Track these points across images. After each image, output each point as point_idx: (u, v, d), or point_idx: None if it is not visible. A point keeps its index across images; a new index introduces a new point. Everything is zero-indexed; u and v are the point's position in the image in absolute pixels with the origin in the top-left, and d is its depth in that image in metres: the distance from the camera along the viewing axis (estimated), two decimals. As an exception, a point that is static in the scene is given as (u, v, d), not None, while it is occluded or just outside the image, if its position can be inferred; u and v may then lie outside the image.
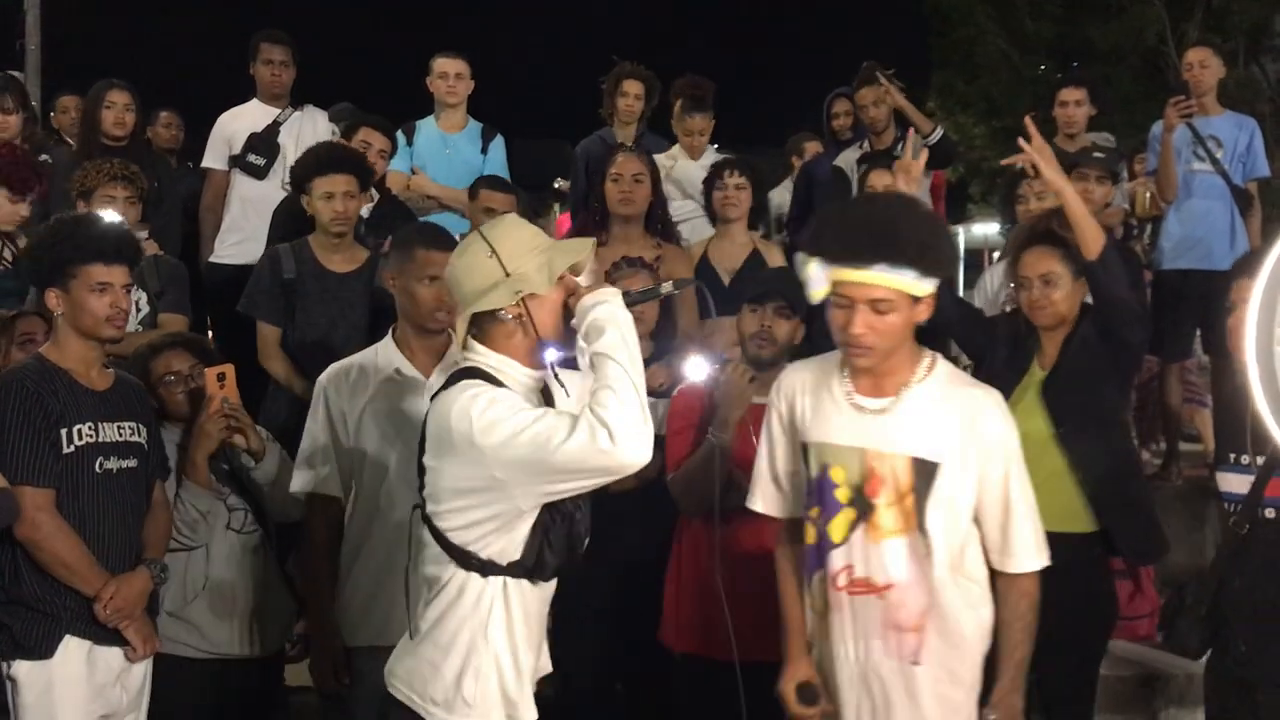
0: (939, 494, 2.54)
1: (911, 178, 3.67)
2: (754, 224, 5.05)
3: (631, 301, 2.41)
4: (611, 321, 2.30)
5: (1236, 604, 3.07)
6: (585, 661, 3.63)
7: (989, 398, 2.62)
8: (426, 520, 2.40)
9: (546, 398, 2.48)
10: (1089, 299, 3.61)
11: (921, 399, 2.58)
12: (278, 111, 5.65)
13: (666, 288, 2.63)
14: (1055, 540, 2.70)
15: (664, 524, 3.55)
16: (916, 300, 2.49)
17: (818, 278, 2.52)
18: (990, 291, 4.88)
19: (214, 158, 5.69)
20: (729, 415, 3.31)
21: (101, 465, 3.11)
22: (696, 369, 3.14)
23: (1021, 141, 3.55)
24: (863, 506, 2.59)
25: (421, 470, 2.44)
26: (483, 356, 2.41)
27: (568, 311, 2.40)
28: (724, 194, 4.85)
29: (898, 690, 2.59)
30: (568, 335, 2.41)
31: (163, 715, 3.29)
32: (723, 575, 3.25)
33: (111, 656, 3.11)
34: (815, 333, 4.69)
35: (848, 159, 5.92)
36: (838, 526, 2.61)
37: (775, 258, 4.92)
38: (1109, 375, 3.59)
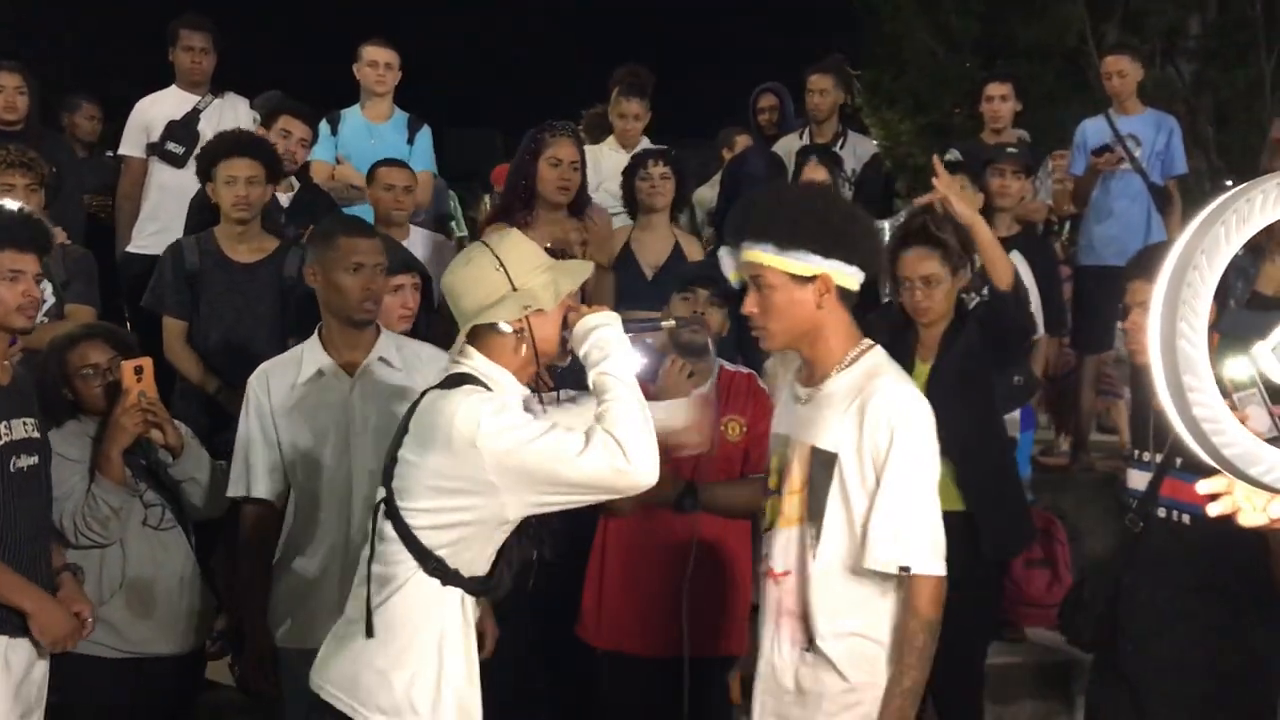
0: (835, 486, 2.50)
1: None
2: (674, 217, 5.02)
3: (630, 330, 2.41)
4: (616, 345, 2.33)
5: (1126, 602, 3.06)
6: (507, 660, 3.61)
7: (890, 389, 2.48)
8: (393, 515, 2.32)
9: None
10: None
11: (836, 389, 2.54)
12: (197, 99, 5.52)
13: (668, 324, 2.65)
14: None
15: (584, 519, 3.54)
16: (805, 280, 2.47)
17: (724, 260, 2.63)
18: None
19: (131, 145, 5.55)
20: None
21: (14, 464, 2.96)
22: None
23: (934, 180, 3.65)
24: (780, 494, 2.64)
25: (393, 462, 2.36)
26: (476, 362, 2.37)
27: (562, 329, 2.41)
28: (649, 183, 4.78)
29: (787, 676, 2.57)
30: (562, 354, 2.43)
31: (79, 716, 3.21)
32: (648, 571, 3.25)
33: (22, 649, 2.98)
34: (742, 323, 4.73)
35: (787, 146, 5.88)
36: (769, 512, 2.67)
37: (695, 251, 4.89)
38: (988, 374, 3.71)
